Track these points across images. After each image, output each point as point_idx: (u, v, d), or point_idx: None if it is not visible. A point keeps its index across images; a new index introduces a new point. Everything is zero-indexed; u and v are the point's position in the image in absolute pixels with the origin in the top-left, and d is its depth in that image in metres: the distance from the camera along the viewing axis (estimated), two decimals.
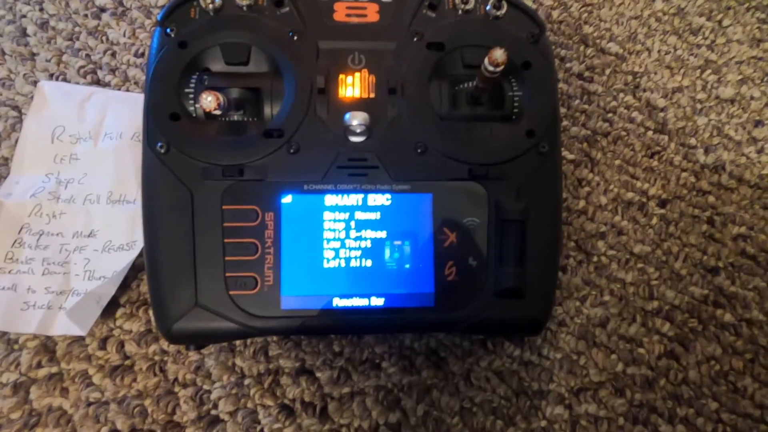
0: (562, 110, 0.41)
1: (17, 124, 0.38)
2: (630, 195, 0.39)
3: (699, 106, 0.42)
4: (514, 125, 0.28)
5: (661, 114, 0.41)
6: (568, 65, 0.43)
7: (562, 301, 0.35)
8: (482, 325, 0.27)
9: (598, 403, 0.33)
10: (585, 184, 0.39)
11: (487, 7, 0.29)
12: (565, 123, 0.41)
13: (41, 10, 0.42)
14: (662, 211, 0.38)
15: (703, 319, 0.35)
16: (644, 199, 0.39)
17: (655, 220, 0.38)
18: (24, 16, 0.41)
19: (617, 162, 0.40)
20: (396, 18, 0.29)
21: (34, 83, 0.39)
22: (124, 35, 0.41)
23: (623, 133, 0.41)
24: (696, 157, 0.40)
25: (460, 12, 0.29)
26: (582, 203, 0.38)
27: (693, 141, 0.41)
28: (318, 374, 0.32)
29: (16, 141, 0.37)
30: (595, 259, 0.37)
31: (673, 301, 0.36)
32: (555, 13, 0.45)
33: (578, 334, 0.34)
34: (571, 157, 0.40)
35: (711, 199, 0.39)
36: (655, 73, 0.43)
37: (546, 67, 0.29)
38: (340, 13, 0.29)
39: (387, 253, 0.27)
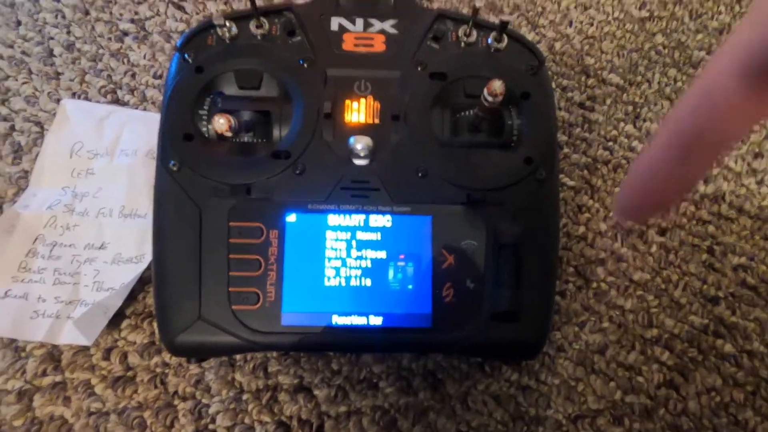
0: (563, 138, 0.42)
1: (39, 139, 0.40)
2: (629, 222, 0.39)
3: None
4: (512, 152, 0.29)
5: None
6: (569, 94, 0.44)
7: (561, 326, 0.36)
8: (478, 347, 0.28)
9: (595, 431, 0.33)
10: (585, 211, 0.40)
11: (489, 40, 0.31)
12: (566, 150, 0.42)
13: (68, 32, 0.44)
14: (662, 239, 0.39)
15: (703, 348, 0.35)
16: (644, 227, 0.39)
17: (654, 248, 0.38)
18: (52, 38, 0.44)
19: (617, 189, 0.40)
20: (401, 49, 0.31)
21: (58, 101, 0.41)
22: (144, 58, 0.43)
23: (623, 161, 0.41)
24: (696, 186, 0.41)
25: (462, 44, 0.31)
26: (582, 229, 0.39)
27: None
28: (316, 392, 0.33)
29: (37, 155, 0.39)
30: (594, 285, 0.37)
31: (672, 329, 0.36)
32: (557, 45, 0.46)
33: (577, 360, 0.34)
34: (571, 183, 0.40)
35: (711, 228, 0.39)
36: (656, 104, 0.44)
37: (544, 97, 0.30)
38: (349, 43, 0.31)
39: (386, 273, 0.28)
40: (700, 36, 0.47)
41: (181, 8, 0.46)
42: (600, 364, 0.34)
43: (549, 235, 0.29)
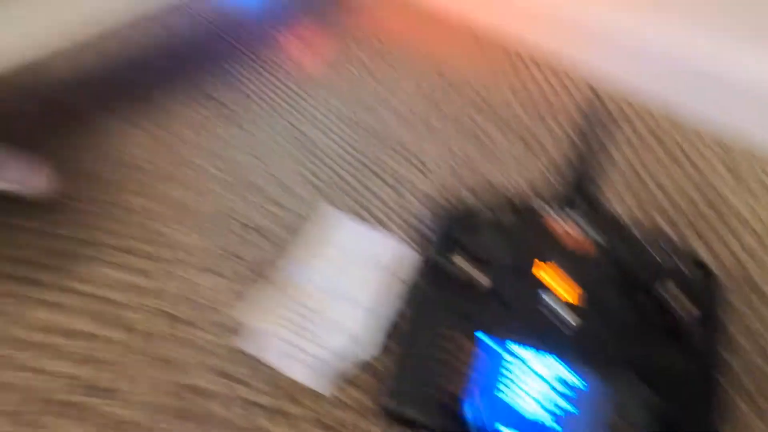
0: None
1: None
2: None
3: None
4: (689, 357, 0.35)
5: None
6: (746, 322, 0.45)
7: None
8: None
9: None
10: None
11: (683, 268, 0.39)
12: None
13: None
14: None
15: None
16: None
17: None
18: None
19: None
20: (606, 259, 0.42)
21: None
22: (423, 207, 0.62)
23: None
24: None
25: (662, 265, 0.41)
26: None
27: None
28: None
29: (296, 242, 0.56)
30: None
31: None
32: (735, 270, 0.48)
33: None
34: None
35: None
36: None
37: (720, 323, 0.37)
38: (568, 241, 0.44)
39: (564, 425, 0.34)
40: None
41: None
42: None
43: None
